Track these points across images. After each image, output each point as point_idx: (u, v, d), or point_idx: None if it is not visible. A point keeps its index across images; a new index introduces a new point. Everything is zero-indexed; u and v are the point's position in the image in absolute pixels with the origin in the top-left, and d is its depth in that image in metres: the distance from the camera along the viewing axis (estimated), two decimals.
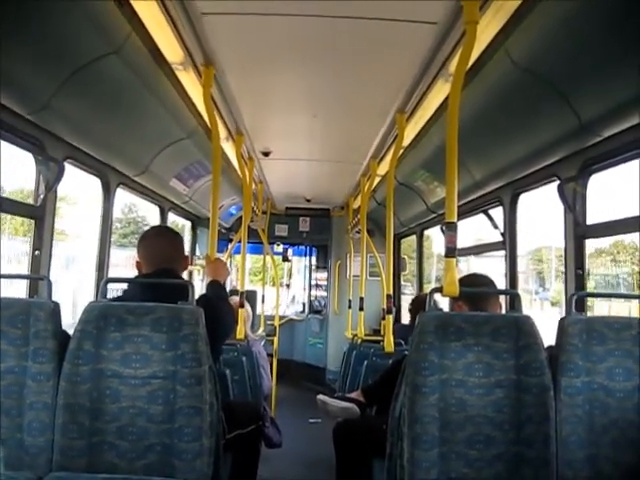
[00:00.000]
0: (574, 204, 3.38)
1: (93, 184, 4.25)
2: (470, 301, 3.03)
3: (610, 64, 2.42)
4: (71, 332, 2.59)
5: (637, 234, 3.09)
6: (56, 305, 2.65)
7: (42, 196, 3.42)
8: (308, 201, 8.50)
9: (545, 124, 3.11)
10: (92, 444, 2.48)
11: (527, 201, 4.11)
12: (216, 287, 3.22)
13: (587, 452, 2.44)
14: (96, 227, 4.39)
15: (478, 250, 5.56)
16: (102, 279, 3.12)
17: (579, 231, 3.38)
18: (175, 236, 3.16)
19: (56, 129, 3.31)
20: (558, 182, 3.43)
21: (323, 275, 10.53)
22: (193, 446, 2.49)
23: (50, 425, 2.50)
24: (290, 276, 13.72)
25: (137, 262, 3.02)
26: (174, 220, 6.88)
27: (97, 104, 3.21)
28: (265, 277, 9.45)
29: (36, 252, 3.43)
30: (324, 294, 10.24)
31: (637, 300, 3.04)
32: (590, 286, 3.56)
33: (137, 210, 32.82)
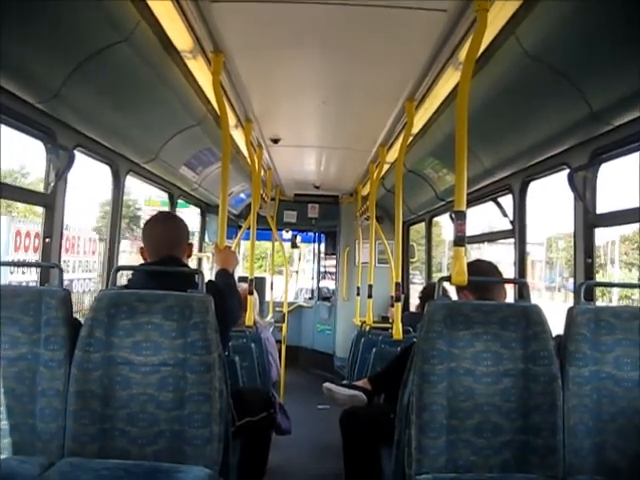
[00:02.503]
0: (584, 193, 3.36)
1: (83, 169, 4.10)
2: (476, 289, 3.03)
3: (622, 52, 2.40)
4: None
5: None
6: (67, 292, 2.67)
7: (52, 184, 3.43)
8: (317, 188, 8.50)
9: (555, 112, 3.09)
10: (103, 430, 2.51)
11: (551, 183, 4.03)
12: (225, 275, 3.23)
13: (594, 441, 2.46)
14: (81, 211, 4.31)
15: (487, 238, 5.55)
16: (112, 267, 3.14)
17: (589, 220, 3.37)
18: (179, 222, 3.14)
19: (66, 117, 3.31)
20: (568, 170, 3.42)
21: (331, 262, 10.55)
22: (203, 432, 2.51)
23: (62, 411, 2.53)
24: (291, 262, 13.71)
25: (141, 249, 3.04)
26: None
27: (107, 92, 3.21)
28: (266, 264, 9.49)
29: (47, 240, 3.45)
30: (332, 283, 10.27)
31: None
32: (634, 276, 3.52)
33: (129, 193, 32.47)
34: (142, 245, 3.05)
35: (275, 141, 5.49)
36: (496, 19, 2.74)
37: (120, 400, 2.53)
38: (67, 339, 2.58)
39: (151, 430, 2.52)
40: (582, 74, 2.70)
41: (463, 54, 2.96)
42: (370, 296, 6.19)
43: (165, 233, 3.02)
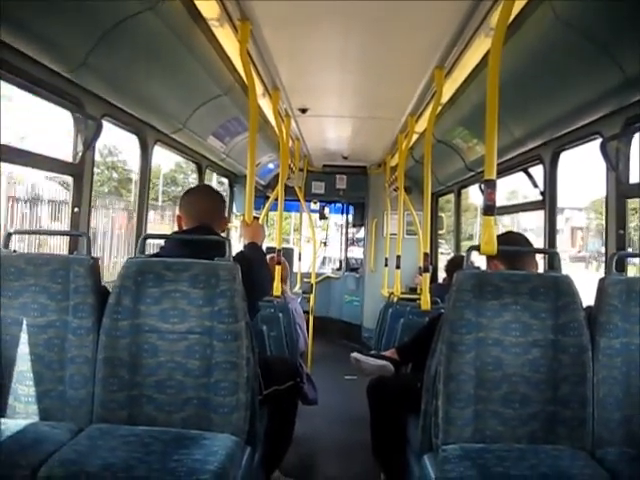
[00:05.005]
0: (617, 162, 3.29)
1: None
2: (507, 260, 3.00)
3: None
4: None
5: None
6: (95, 261, 2.71)
7: (80, 154, 3.45)
8: (345, 158, 8.43)
9: (588, 80, 3.01)
10: (131, 397, 2.55)
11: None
12: (254, 249, 3.25)
13: (624, 413, 2.44)
14: None
15: (517, 209, 5.48)
16: (140, 235, 3.16)
17: (621, 190, 3.30)
18: (218, 196, 3.28)
19: (93, 87, 3.31)
20: (601, 140, 3.34)
21: (359, 234, 10.55)
22: (230, 400, 2.54)
23: (91, 378, 2.57)
24: (312, 233, 13.67)
25: (178, 217, 3.11)
26: None
27: (134, 61, 3.20)
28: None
29: (75, 209, 3.48)
30: (359, 251, 10.27)
31: None
32: None
33: (118, 153, 29.14)
34: (179, 212, 3.13)
35: (303, 111, 5.45)
36: None
37: (148, 367, 2.57)
38: (95, 307, 2.62)
39: (178, 397, 2.56)
40: (616, 40, 2.62)
41: (494, 20, 2.89)
42: (398, 267, 6.18)
43: (206, 204, 3.13)
